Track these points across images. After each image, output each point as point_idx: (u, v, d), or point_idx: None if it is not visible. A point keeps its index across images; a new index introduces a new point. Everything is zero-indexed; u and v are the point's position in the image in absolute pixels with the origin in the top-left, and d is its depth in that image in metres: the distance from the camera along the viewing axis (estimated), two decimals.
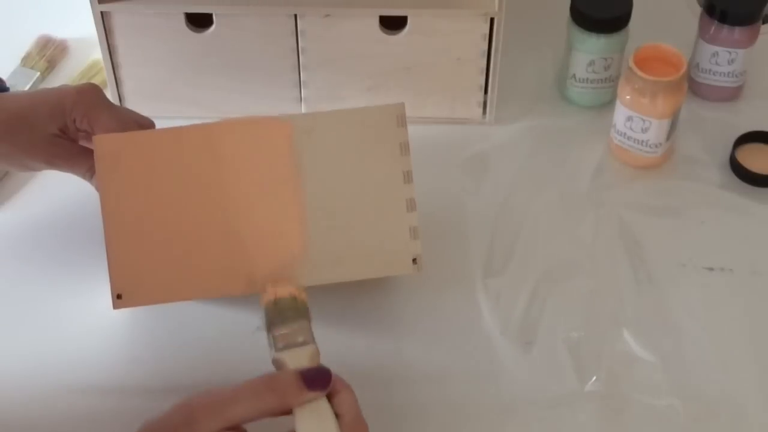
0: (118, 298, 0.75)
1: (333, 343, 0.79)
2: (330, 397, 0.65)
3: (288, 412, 0.64)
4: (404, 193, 0.77)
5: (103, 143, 0.77)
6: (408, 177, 0.77)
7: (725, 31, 0.96)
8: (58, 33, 1.06)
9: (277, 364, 0.68)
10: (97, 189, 0.77)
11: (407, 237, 0.76)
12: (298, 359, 0.68)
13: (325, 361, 0.79)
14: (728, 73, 0.98)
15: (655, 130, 0.91)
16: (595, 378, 0.78)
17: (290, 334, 0.69)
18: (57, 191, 0.90)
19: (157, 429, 0.62)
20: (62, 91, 0.81)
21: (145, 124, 0.83)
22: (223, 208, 0.76)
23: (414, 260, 0.76)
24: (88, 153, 0.80)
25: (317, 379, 0.64)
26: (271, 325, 0.70)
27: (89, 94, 0.80)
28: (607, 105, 0.99)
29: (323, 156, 0.76)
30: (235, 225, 0.76)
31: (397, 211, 0.76)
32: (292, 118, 0.77)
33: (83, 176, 0.81)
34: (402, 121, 0.77)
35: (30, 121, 0.79)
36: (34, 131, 0.79)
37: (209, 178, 0.76)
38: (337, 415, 0.64)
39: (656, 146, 0.92)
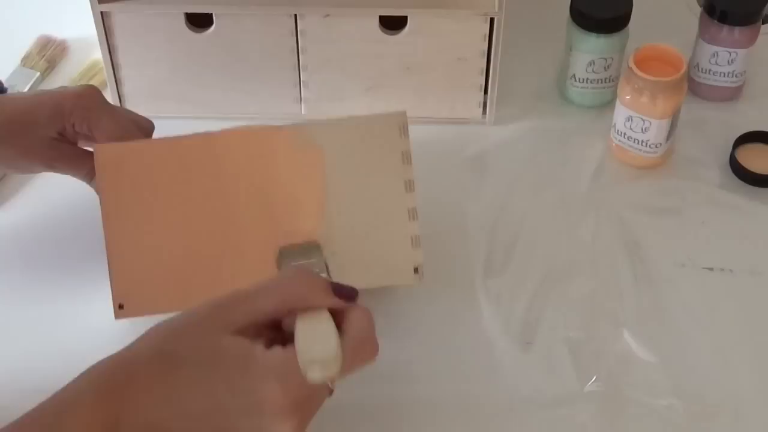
0: (120, 308, 0.75)
1: None
2: (343, 318, 0.63)
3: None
4: (406, 202, 0.76)
5: (104, 152, 0.76)
6: (410, 186, 0.76)
7: (725, 31, 0.96)
8: (58, 33, 1.06)
9: None
10: (97, 192, 0.77)
11: (408, 246, 0.76)
12: None
13: None
14: (728, 73, 0.98)
15: (655, 130, 0.91)
16: (595, 378, 0.78)
17: (305, 264, 0.68)
18: (56, 192, 0.90)
19: (185, 322, 0.61)
20: (61, 95, 0.80)
21: (145, 125, 0.83)
22: (224, 217, 0.76)
23: (416, 269, 0.76)
24: (88, 155, 0.80)
25: (345, 289, 0.63)
26: (282, 261, 0.69)
27: (88, 98, 0.80)
28: (607, 105, 0.99)
29: (326, 165, 0.76)
30: (237, 234, 0.75)
31: (398, 220, 0.76)
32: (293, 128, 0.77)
33: (83, 179, 0.81)
34: (404, 130, 0.76)
35: (28, 124, 0.79)
36: (32, 135, 0.79)
37: (210, 188, 0.76)
38: (346, 329, 0.62)
39: (656, 146, 0.92)
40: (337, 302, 0.63)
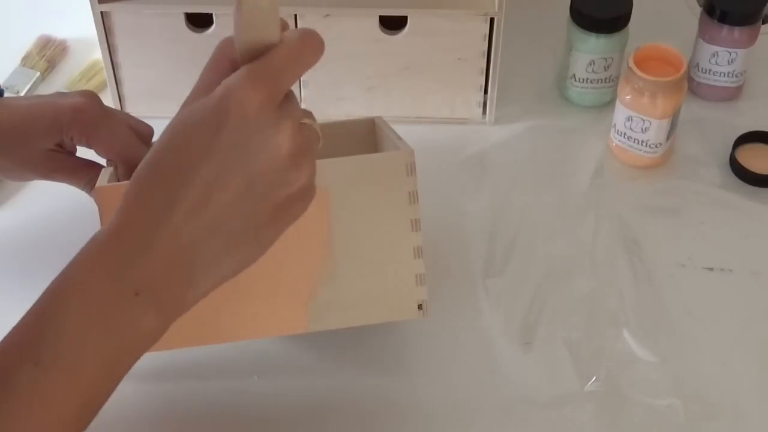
0: None
1: (332, 342, 0.79)
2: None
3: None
4: (411, 241, 0.75)
5: (104, 194, 0.75)
6: (416, 225, 0.74)
7: (725, 31, 0.96)
8: (58, 33, 1.06)
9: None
10: (97, 203, 0.76)
11: (413, 284, 0.75)
12: None
13: (324, 359, 0.79)
14: (728, 73, 0.98)
15: (655, 130, 0.91)
16: (595, 378, 0.78)
17: None
18: (56, 193, 0.89)
19: (153, 154, 0.57)
20: (59, 107, 0.78)
21: (144, 130, 0.82)
22: None
23: (419, 306, 0.75)
24: (87, 165, 0.79)
25: None
26: None
27: (86, 112, 0.78)
28: (607, 105, 0.99)
29: (331, 203, 0.75)
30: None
31: (403, 258, 0.74)
32: None
33: (83, 188, 0.81)
34: (411, 169, 0.75)
35: (26, 136, 0.78)
36: (29, 146, 0.78)
37: None
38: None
39: (656, 146, 0.92)
40: None
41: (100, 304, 0.54)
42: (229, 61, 0.60)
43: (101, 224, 0.73)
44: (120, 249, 0.55)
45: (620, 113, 0.92)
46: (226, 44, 0.61)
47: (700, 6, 1.04)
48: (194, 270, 0.56)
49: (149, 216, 0.55)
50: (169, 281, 0.55)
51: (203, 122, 0.56)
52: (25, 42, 1.05)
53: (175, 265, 0.55)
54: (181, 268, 0.56)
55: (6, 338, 0.55)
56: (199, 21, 0.92)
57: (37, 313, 0.55)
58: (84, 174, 0.80)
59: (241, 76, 0.56)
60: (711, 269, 0.86)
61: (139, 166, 0.57)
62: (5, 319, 0.83)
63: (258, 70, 0.57)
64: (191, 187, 0.55)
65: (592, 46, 0.95)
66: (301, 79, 0.95)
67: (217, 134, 0.55)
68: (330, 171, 0.74)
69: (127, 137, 0.79)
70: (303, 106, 0.97)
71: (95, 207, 0.76)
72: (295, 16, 0.90)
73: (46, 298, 0.56)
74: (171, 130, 0.57)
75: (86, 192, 0.81)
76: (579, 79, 0.98)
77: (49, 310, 0.55)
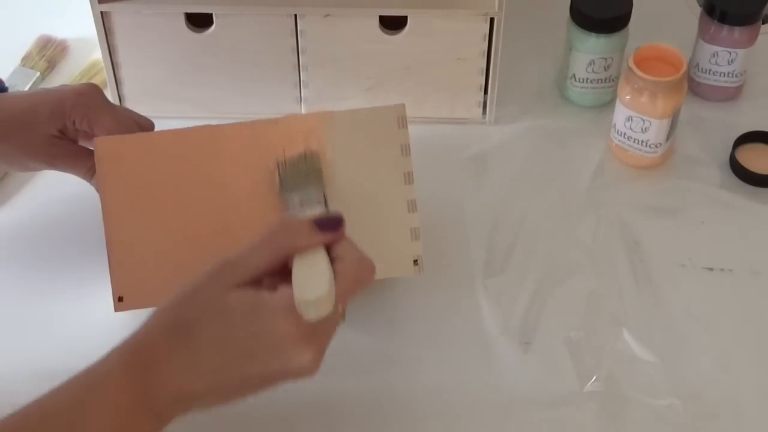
0: (120, 301, 0.75)
1: (332, 342, 0.79)
2: (329, 249, 0.66)
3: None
4: (405, 194, 0.76)
5: (104, 145, 0.76)
6: (409, 178, 0.76)
7: (725, 31, 0.96)
8: (58, 33, 1.06)
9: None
10: (98, 190, 0.77)
11: (408, 238, 0.76)
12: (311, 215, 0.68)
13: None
14: (728, 73, 0.98)
15: (655, 130, 0.91)
16: (595, 378, 0.78)
17: (304, 197, 0.71)
18: (57, 192, 0.90)
19: (187, 293, 0.64)
20: (61, 93, 0.80)
21: (145, 124, 0.83)
22: (224, 210, 0.76)
23: (415, 261, 0.76)
24: (88, 153, 0.80)
25: (329, 223, 0.65)
26: (283, 186, 0.72)
27: (88, 95, 0.80)
28: (607, 105, 0.99)
29: (324, 158, 0.76)
30: (236, 227, 0.75)
31: (397, 212, 0.76)
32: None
33: (83, 176, 0.81)
34: (403, 122, 0.77)
35: (29, 122, 0.79)
36: (33, 132, 0.79)
37: (210, 181, 0.76)
38: (337, 260, 0.65)
39: (656, 146, 0.92)
40: (325, 237, 0.65)
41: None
42: (285, 258, 0.65)
43: (97, 174, 0.77)
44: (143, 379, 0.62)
45: (620, 113, 0.92)
46: (287, 239, 0.65)
47: (700, 6, 1.04)
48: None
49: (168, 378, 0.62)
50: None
51: (249, 335, 0.62)
52: (25, 42, 1.05)
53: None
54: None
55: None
56: (199, 21, 0.92)
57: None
58: (85, 161, 0.80)
59: (305, 341, 0.62)
60: (711, 269, 0.86)
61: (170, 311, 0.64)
62: (7, 314, 0.83)
63: (321, 343, 0.64)
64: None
65: (592, 46, 0.95)
66: (301, 79, 0.95)
67: (251, 340, 0.62)
68: (322, 125, 0.75)
69: (128, 122, 0.81)
70: (303, 106, 0.98)
71: (97, 205, 0.76)
72: (295, 16, 0.90)
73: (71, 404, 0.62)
74: (222, 310, 0.62)
75: (86, 180, 0.81)
76: (579, 79, 0.98)
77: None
